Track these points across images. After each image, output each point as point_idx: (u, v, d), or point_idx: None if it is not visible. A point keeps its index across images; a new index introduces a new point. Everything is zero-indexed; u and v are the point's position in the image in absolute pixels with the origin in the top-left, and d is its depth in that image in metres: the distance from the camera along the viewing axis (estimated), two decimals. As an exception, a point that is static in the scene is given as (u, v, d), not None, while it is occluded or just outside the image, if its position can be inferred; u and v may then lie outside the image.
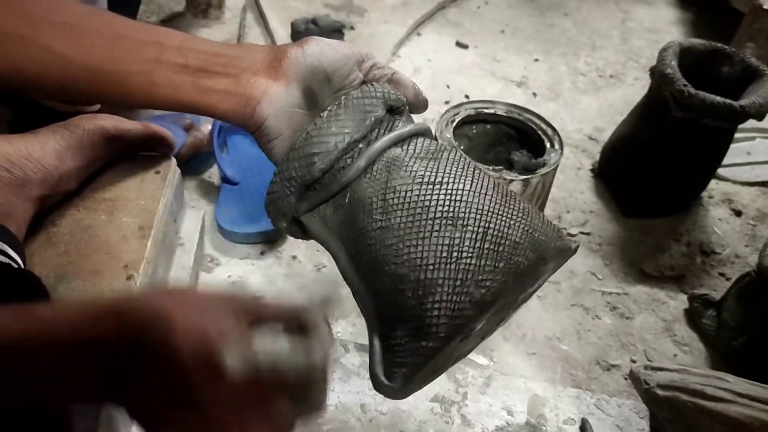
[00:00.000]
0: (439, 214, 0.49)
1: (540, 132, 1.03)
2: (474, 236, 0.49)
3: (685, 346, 1.04)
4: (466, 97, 1.44)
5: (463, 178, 0.52)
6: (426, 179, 0.51)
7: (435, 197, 0.50)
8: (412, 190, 0.50)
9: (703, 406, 0.83)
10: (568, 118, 1.46)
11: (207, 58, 0.54)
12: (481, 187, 0.52)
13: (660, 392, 0.87)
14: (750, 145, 1.39)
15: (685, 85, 1.10)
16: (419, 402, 0.86)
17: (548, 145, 1.01)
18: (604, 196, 1.28)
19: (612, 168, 1.29)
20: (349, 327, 0.99)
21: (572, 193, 1.28)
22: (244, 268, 1.07)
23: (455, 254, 0.48)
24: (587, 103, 1.51)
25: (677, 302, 1.10)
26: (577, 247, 0.59)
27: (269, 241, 1.10)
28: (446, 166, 0.52)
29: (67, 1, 0.56)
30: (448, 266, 0.48)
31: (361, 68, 0.55)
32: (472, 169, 0.54)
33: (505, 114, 1.06)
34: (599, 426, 0.87)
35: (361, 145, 0.52)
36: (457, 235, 0.49)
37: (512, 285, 0.51)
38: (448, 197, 0.50)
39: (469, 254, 0.49)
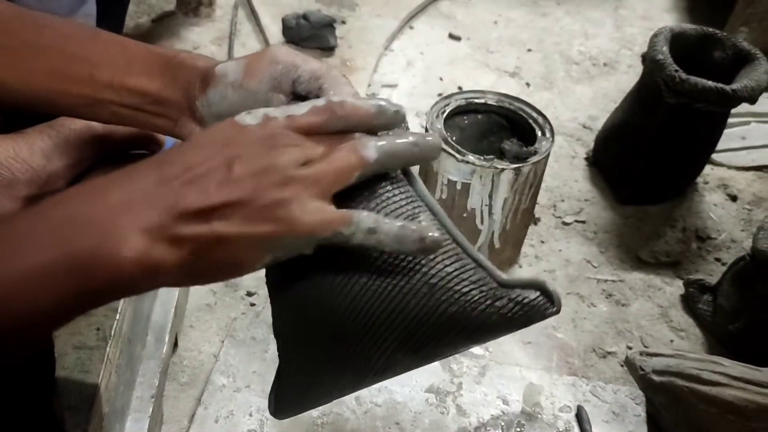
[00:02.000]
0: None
1: (531, 121, 1.02)
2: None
3: (682, 331, 1.04)
4: (459, 88, 1.44)
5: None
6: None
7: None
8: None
9: (699, 390, 0.83)
10: (562, 107, 1.45)
11: (139, 99, 0.52)
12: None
13: (656, 378, 0.87)
14: (745, 130, 1.39)
15: (676, 71, 1.09)
16: (414, 393, 0.86)
17: (539, 133, 1.01)
18: (599, 184, 1.27)
19: (606, 156, 1.29)
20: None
21: (567, 181, 1.28)
22: (238, 264, 1.06)
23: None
24: (581, 91, 1.51)
25: (673, 288, 1.10)
26: (551, 314, 0.47)
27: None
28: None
29: (12, 19, 0.55)
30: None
31: (279, 90, 0.49)
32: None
33: (495, 104, 1.05)
34: (595, 413, 0.86)
35: None
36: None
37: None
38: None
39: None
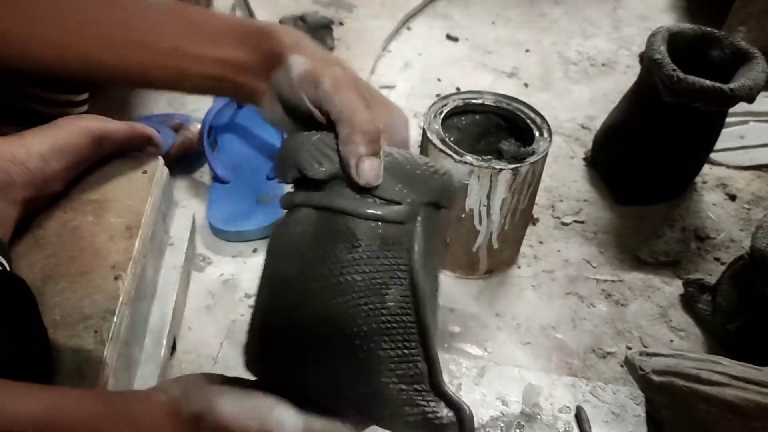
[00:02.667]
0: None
1: (529, 121, 1.02)
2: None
3: (681, 331, 1.04)
4: (457, 89, 1.44)
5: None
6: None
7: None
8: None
9: (698, 390, 0.83)
10: (560, 107, 1.45)
11: (222, 69, 0.53)
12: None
13: (655, 378, 0.87)
14: (743, 129, 1.39)
15: (674, 70, 1.09)
16: (413, 394, 0.86)
17: (537, 133, 1.01)
18: (598, 184, 1.27)
19: (604, 156, 1.29)
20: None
21: (565, 182, 1.28)
22: (236, 266, 1.06)
23: None
24: (579, 92, 1.51)
25: (672, 288, 1.09)
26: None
27: (261, 238, 1.09)
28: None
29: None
30: None
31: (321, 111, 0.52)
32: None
33: (493, 104, 1.05)
34: (595, 413, 0.86)
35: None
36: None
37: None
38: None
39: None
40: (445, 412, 0.45)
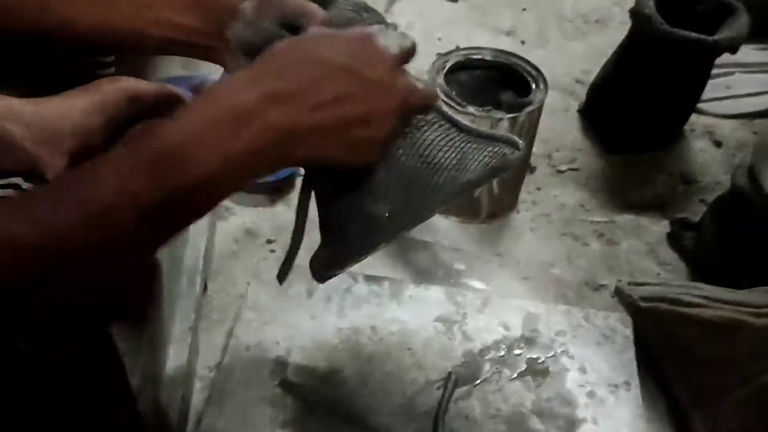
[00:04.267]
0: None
1: (525, 74, 1.10)
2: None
3: (668, 265, 1.13)
4: (457, 47, 1.50)
5: None
6: None
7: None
8: None
9: (681, 312, 0.92)
10: (556, 63, 1.52)
11: (179, 33, 0.62)
12: None
13: (642, 304, 0.96)
14: (729, 80, 1.46)
15: (662, 24, 1.16)
16: (424, 323, 0.96)
17: (533, 85, 1.08)
18: (591, 134, 1.35)
19: (597, 107, 1.37)
20: (357, 262, 1.08)
21: (561, 133, 1.35)
22: (256, 215, 1.15)
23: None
24: (574, 48, 1.57)
25: (660, 227, 1.18)
26: (515, 158, 0.60)
27: (278, 189, 1.18)
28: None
29: None
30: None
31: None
32: None
33: (492, 59, 1.13)
34: (587, 336, 0.96)
35: None
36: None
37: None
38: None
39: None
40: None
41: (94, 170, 0.46)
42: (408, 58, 0.53)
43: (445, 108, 0.58)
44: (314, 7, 0.58)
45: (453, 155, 0.57)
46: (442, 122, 0.57)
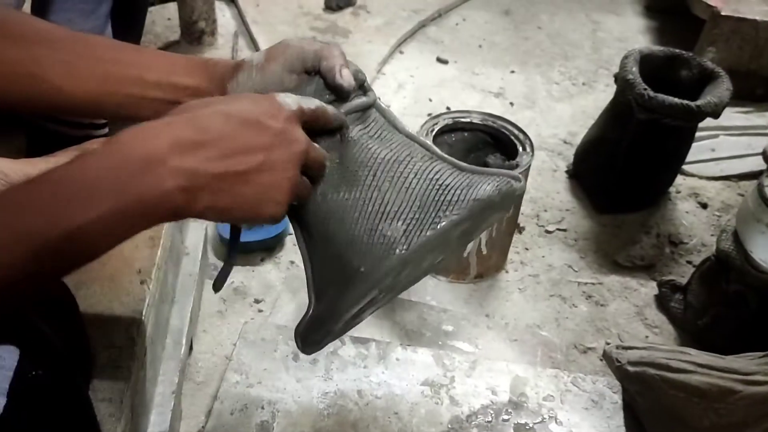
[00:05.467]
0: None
1: (512, 137, 1.12)
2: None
3: (656, 328, 1.13)
4: (447, 109, 1.54)
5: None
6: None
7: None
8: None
9: (668, 377, 0.92)
10: (544, 124, 1.55)
11: (181, 94, 0.63)
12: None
13: (630, 368, 0.95)
14: (714, 143, 1.49)
15: (645, 89, 1.20)
16: (411, 386, 0.95)
17: (520, 148, 1.10)
18: (579, 195, 1.37)
19: (585, 169, 1.39)
20: (344, 323, 1.07)
21: (549, 193, 1.37)
22: (245, 274, 1.15)
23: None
24: (561, 109, 1.61)
25: (648, 289, 1.19)
26: (520, 187, 0.60)
27: (268, 248, 1.18)
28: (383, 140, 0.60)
29: (65, 34, 0.65)
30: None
31: (293, 71, 0.61)
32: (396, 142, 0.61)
33: (480, 122, 1.15)
34: (576, 400, 0.95)
35: None
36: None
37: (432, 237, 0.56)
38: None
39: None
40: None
41: None
42: (314, 118, 0.55)
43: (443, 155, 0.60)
44: (333, 50, 0.60)
45: (463, 180, 0.58)
46: (450, 167, 0.59)
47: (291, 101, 0.54)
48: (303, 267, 0.59)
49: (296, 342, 0.59)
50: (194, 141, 0.48)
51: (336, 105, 0.58)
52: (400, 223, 0.55)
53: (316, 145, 0.55)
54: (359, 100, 0.60)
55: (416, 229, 0.55)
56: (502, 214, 0.59)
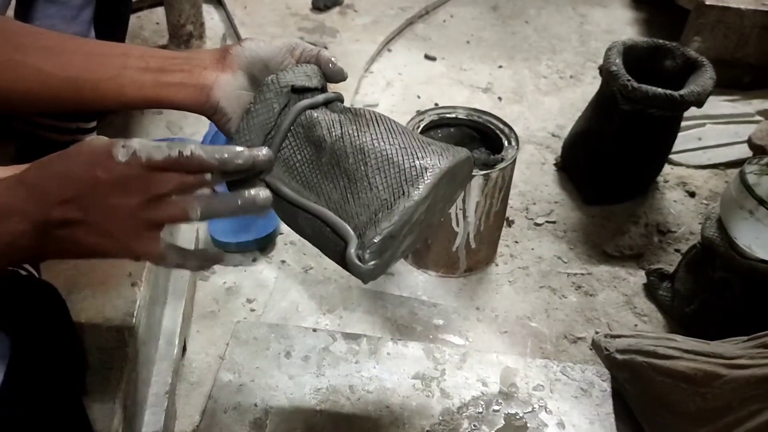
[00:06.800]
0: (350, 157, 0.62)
1: (498, 131, 1.13)
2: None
3: (645, 316, 1.14)
4: (436, 105, 1.54)
5: (365, 128, 0.64)
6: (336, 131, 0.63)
7: (343, 145, 0.62)
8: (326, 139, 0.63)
9: (655, 364, 0.93)
10: (532, 118, 1.56)
11: (164, 60, 0.65)
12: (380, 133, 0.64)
13: (619, 356, 0.97)
14: (701, 131, 1.50)
15: (628, 80, 1.21)
16: (402, 380, 0.96)
17: (506, 142, 1.11)
18: (567, 187, 1.38)
19: (572, 161, 1.40)
20: (336, 319, 1.08)
21: (538, 186, 1.38)
22: (237, 274, 1.16)
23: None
24: (549, 103, 1.62)
25: (636, 278, 1.20)
26: (469, 157, 0.66)
27: (260, 248, 1.19)
28: (354, 121, 0.65)
29: (49, 31, 0.66)
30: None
31: (293, 55, 0.66)
32: (373, 121, 0.66)
33: (465, 117, 1.16)
34: (566, 389, 0.96)
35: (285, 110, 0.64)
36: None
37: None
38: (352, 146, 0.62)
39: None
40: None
41: None
42: (176, 165, 0.52)
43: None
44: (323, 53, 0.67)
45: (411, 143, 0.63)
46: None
47: (137, 148, 0.51)
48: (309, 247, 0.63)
49: (363, 272, 0.59)
50: (44, 190, 0.50)
51: (314, 95, 0.65)
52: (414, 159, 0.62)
53: (172, 176, 0.51)
54: (325, 95, 0.67)
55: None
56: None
